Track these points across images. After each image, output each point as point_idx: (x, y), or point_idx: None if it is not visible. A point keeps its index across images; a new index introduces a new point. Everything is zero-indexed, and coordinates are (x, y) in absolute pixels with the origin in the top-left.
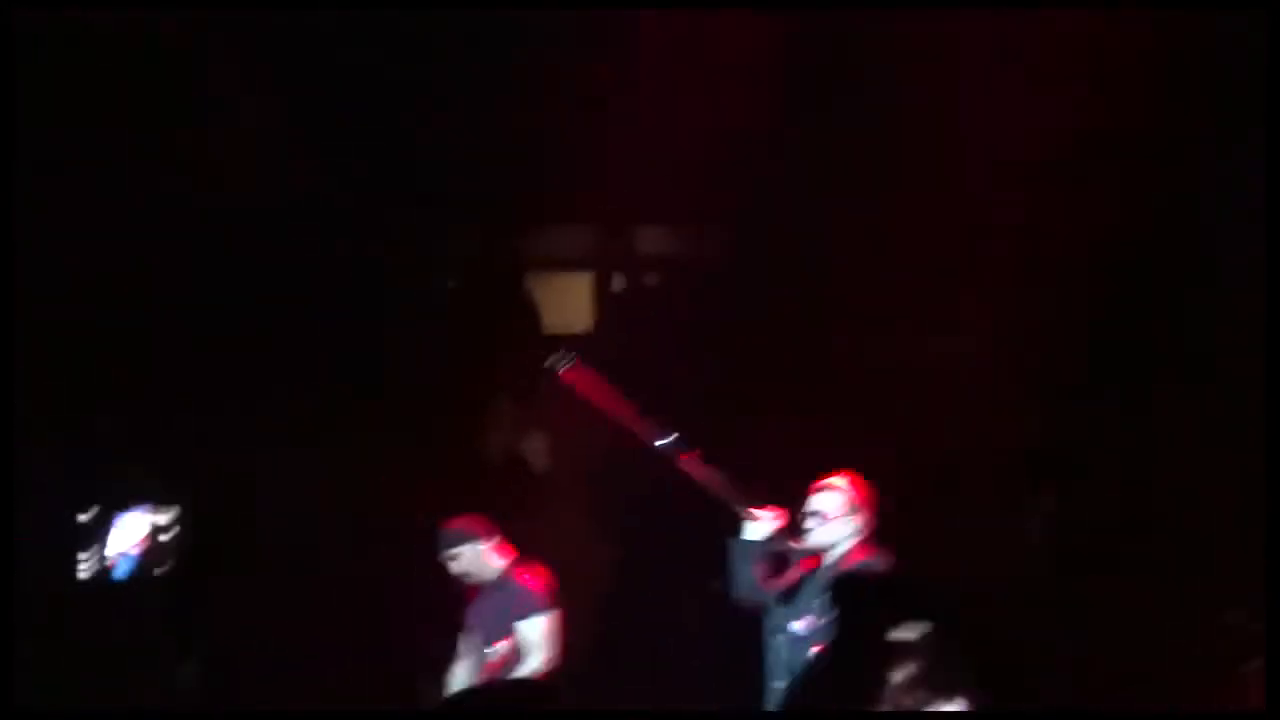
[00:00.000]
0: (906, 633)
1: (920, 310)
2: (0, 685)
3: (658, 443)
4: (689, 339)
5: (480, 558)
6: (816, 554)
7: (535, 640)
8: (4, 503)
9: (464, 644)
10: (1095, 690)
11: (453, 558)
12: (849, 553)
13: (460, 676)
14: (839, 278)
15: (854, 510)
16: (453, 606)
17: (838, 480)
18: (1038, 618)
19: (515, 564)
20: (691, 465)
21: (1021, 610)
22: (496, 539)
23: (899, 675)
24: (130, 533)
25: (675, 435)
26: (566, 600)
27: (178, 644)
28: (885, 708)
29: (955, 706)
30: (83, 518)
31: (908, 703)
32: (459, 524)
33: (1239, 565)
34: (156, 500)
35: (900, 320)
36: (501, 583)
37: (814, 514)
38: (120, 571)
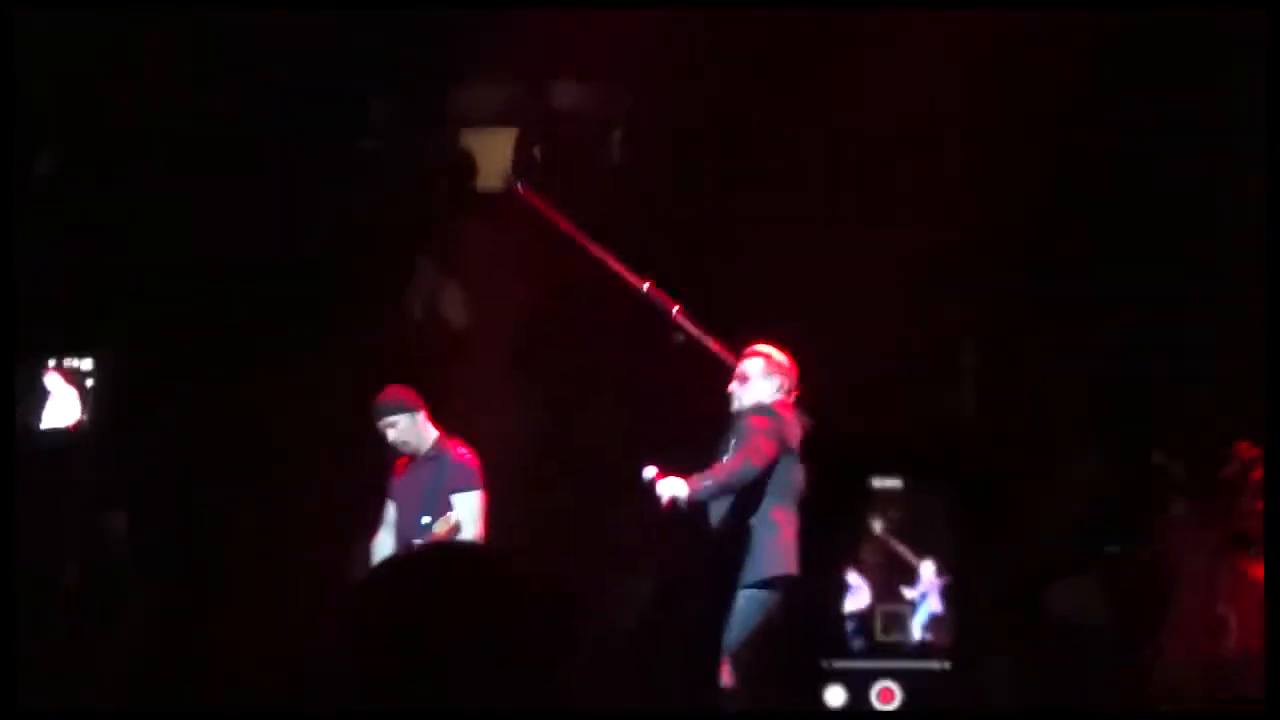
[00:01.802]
0: (889, 482)
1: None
2: (1, 685)
3: (645, 288)
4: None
5: (416, 427)
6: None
7: (472, 514)
8: (4, 502)
9: (389, 512)
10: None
11: (390, 425)
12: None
13: (386, 545)
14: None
15: (773, 373)
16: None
17: (759, 347)
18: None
19: (446, 437)
20: (680, 316)
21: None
22: (426, 410)
23: (879, 524)
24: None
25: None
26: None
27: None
28: (862, 559)
29: (927, 562)
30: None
31: (883, 552)
32: (394, 393)
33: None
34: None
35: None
36: (436, 454)
37: (738, 377)
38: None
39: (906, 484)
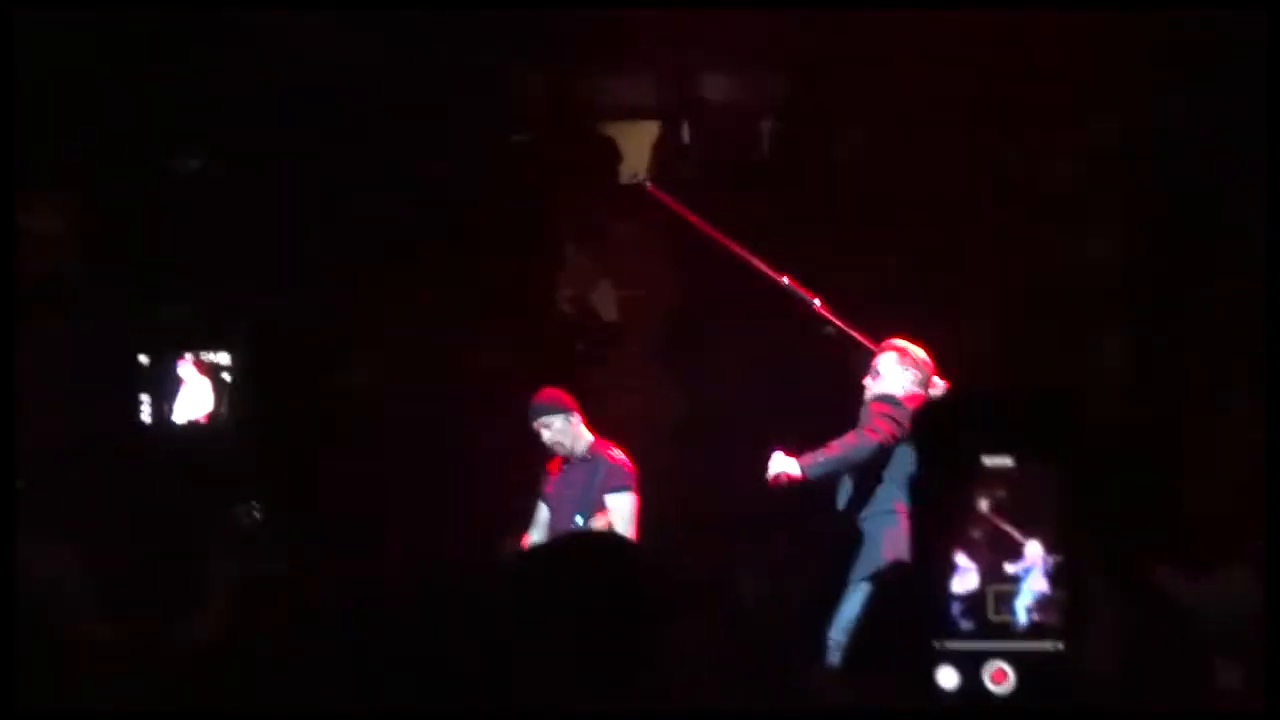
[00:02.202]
0: (1000, 459)
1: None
2: (1, 685)
3: (784, 282)
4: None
5: (571, 429)
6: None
7: (625, 514)
8: (5, 502)
9: (542, 513)
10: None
11: (545, 426)
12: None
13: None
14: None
15: (906, 367)
16: (522, 473)
17: (894, 341)
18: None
19: (601, 440)
20: (822, 309)
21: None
22: (581, 413)
23: (987, 502)
24: (196, 390)
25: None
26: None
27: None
28: (973, 537)
29: (1038, 541)
30: (143, 359)
31: (991, 531)
32: (551, 395)
33: None
34: (208, 346)
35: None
36: (590, 456)
37: (871, 372)
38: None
39: (1019, 461)
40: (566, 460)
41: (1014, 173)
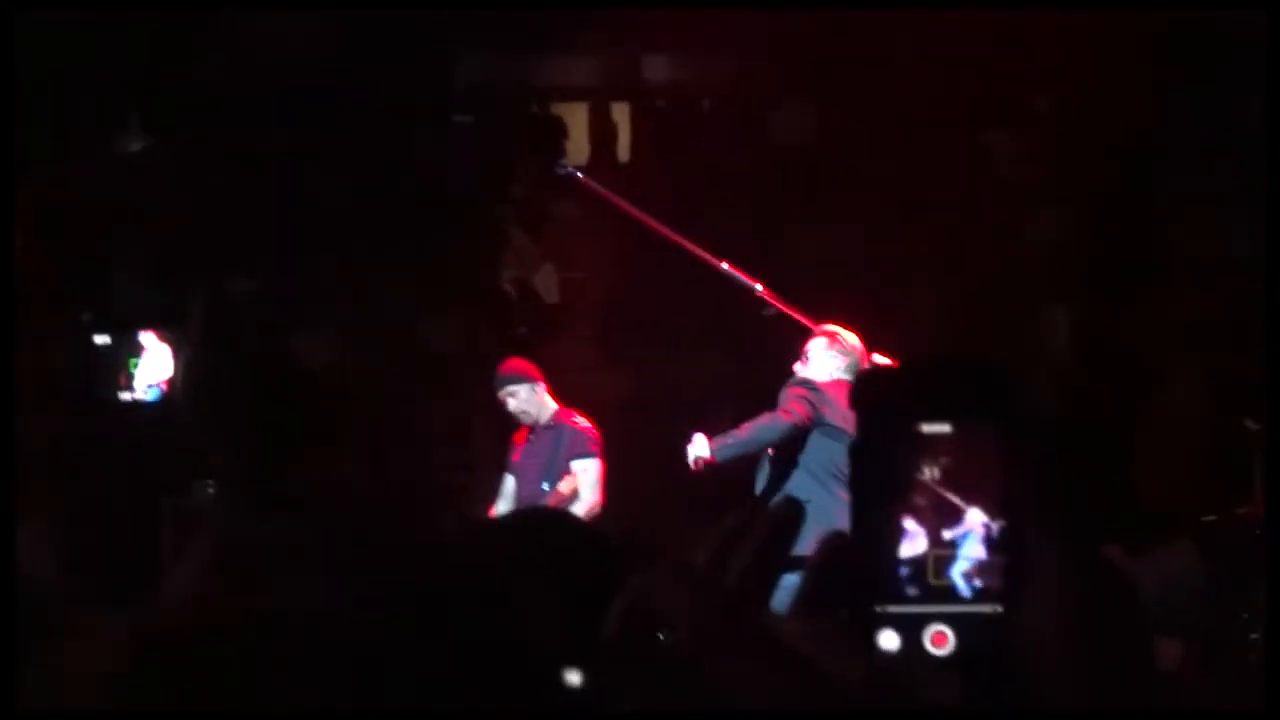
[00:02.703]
0: (938, 426)
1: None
2: (1, 685)
3: (724, 268)
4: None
5: (536, 397)
6: None
7: (591, 480)
8: (5, 501)
9: (508, 484)
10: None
11: (511, 394)
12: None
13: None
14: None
15: (835, 352)
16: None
17: (826, 327)
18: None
19: (565, 409)
20: (764, 294)
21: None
22: (545, 382)
23: (928, 471)
24: (156, 357)
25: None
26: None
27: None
28: (912, 503)
29: (978, 508)
30: (100, 340)
31: (931, 499)
32: (515, 365)
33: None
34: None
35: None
36: (555, 424)
37: (801, 356)
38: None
39: (956, 428)
40: (531, 429)
41: (957, 151)
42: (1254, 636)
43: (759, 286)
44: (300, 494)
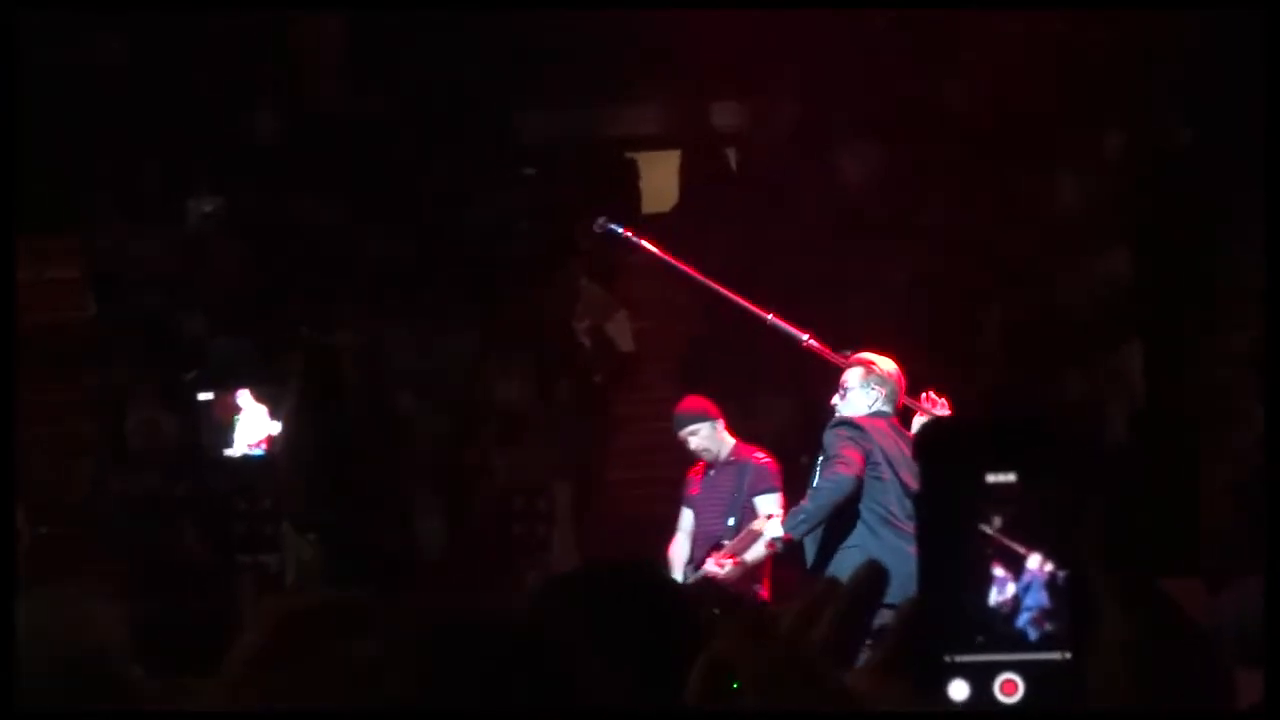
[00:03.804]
0: (1003, 476)
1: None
2: (0, 685)
3: (769, 319)
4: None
5: (716, 434)
6: None
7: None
8: (4, 501)
9: (686, 519)
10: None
11: (692, 433)
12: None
13: (684, 549)
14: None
15: (873, 384)
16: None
17: (862, 355)
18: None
19: (744, 444)
20: (811, 342)
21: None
22: (724, 419)
23: (993, 520)
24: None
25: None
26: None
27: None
28: (979, 552)
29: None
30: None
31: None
32: (695, 404)
33: None
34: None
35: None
36: (736, 459)
37: (839, 389)
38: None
39: (1021, 478)
40: (711, 465)
41: (1012, 191)
42: None
43: (805, 336)
44: (381, 556)
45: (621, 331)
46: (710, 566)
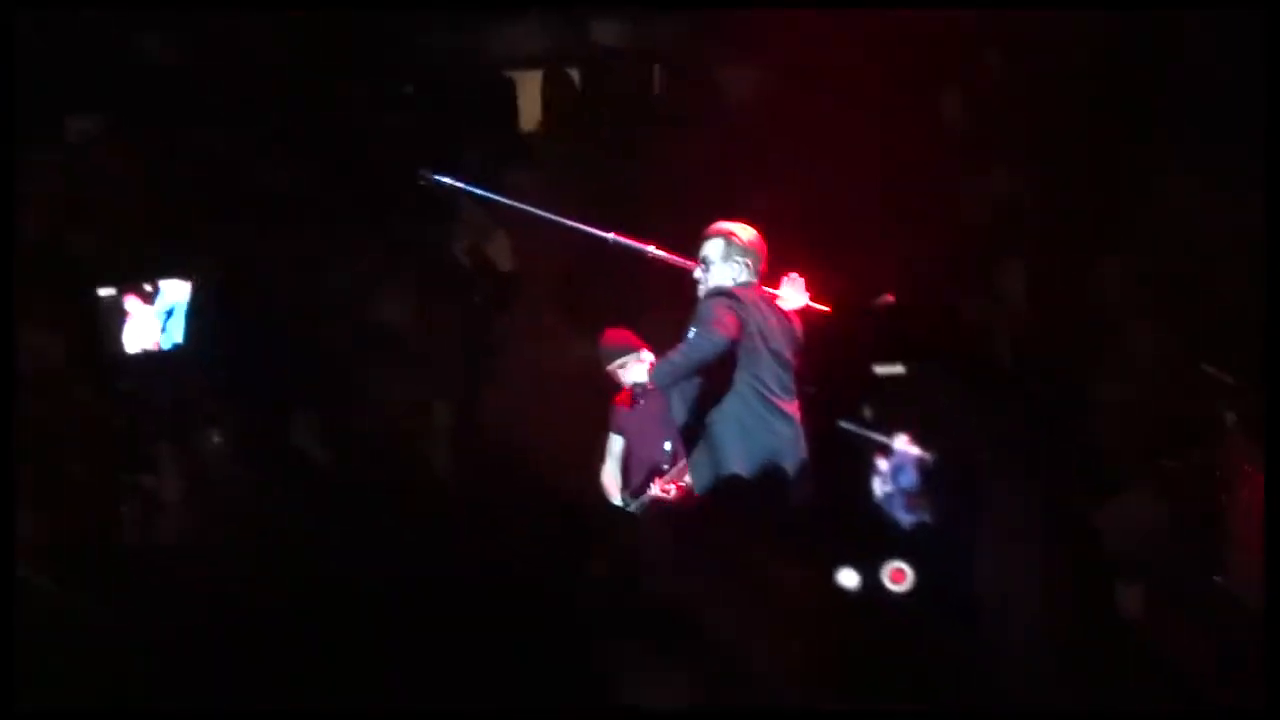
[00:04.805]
0: (892, 368)
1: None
2: (0, 685)
3: (610, 239)
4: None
5: (644, 365)
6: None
7: None
8: (4, 499)
9: (616, 444)
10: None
11: (621, 366)
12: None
13: (616, 473)
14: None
15: (734, 255)
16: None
17: (720, 225)
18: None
19: None
20: (657, 253)
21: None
22: (649, 348)
23: (877, 408)
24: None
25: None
26: None
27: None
28: (868, 443)
29: (900, 437)
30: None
31: (878, 436)
32: (620, 337)
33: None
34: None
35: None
36: None
37: (700, 263)
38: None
39: (910, 369)
40: (639, 393)
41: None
42: (1217, 579)
43: (650, 248)
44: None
45: (501, 251)
46: (656, 491)
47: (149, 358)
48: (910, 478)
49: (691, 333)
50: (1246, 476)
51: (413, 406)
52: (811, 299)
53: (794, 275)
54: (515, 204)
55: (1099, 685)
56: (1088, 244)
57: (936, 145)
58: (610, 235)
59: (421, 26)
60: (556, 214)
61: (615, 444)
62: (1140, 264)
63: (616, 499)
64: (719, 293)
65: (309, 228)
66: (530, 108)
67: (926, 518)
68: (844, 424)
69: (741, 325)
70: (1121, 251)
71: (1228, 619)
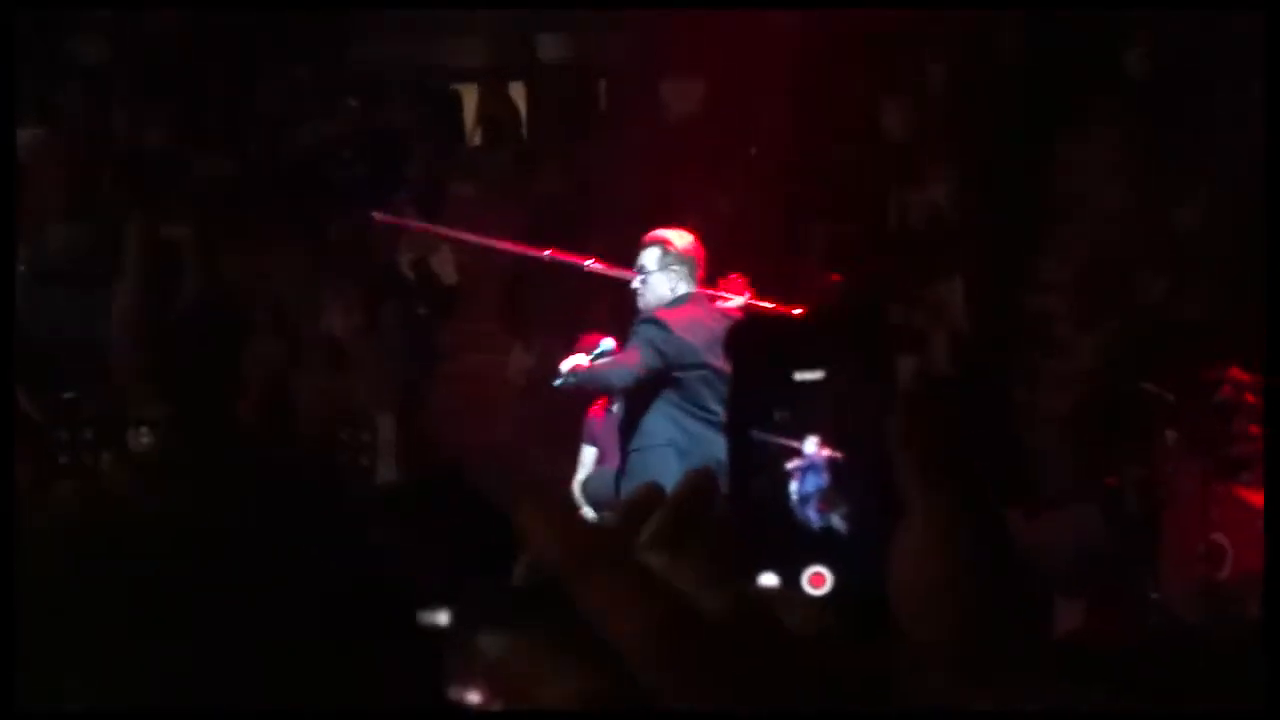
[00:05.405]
0: (810, 374)
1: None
2: (0, 685)
3: (546, 255)
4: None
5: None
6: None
7: None
8: (4, 497)
9: (588, 455)
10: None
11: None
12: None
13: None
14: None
15: (672, 263)
16: None
17: (657, 232)
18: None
19: None
20: (595, 265)
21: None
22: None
23: (795, 414)
24: None
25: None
26: None
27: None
28: (787, 448)
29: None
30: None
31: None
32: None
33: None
34: None
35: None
36: None
37: (637, 271)
38: None
39: (831, 375)
40: (611, 405)
41: (838, 111)
42: (1154, 597)
43: (588, 261)
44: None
45: (445, 265)
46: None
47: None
48: (820, 480)
49: (617, 353)
50: (1185, 495)
51: (357, 416)
52: (752, 299)
53: (734, 276)
54: (457, 235)
55: (1019, 689)
56: (1026, 251)
57: (876, 152)
58: (546, 253)
59: (368, 38)
60: (497, 226)
61: (587, 455)
62: (1077, 274)
63: (589, 510)
64: (651, 322)
65: (251, 236)
66: (472, 119)
67: (838, 521)
68: (755, 433)
69: (664, 361)
70: (1058, 260)
71: (1165, 636)
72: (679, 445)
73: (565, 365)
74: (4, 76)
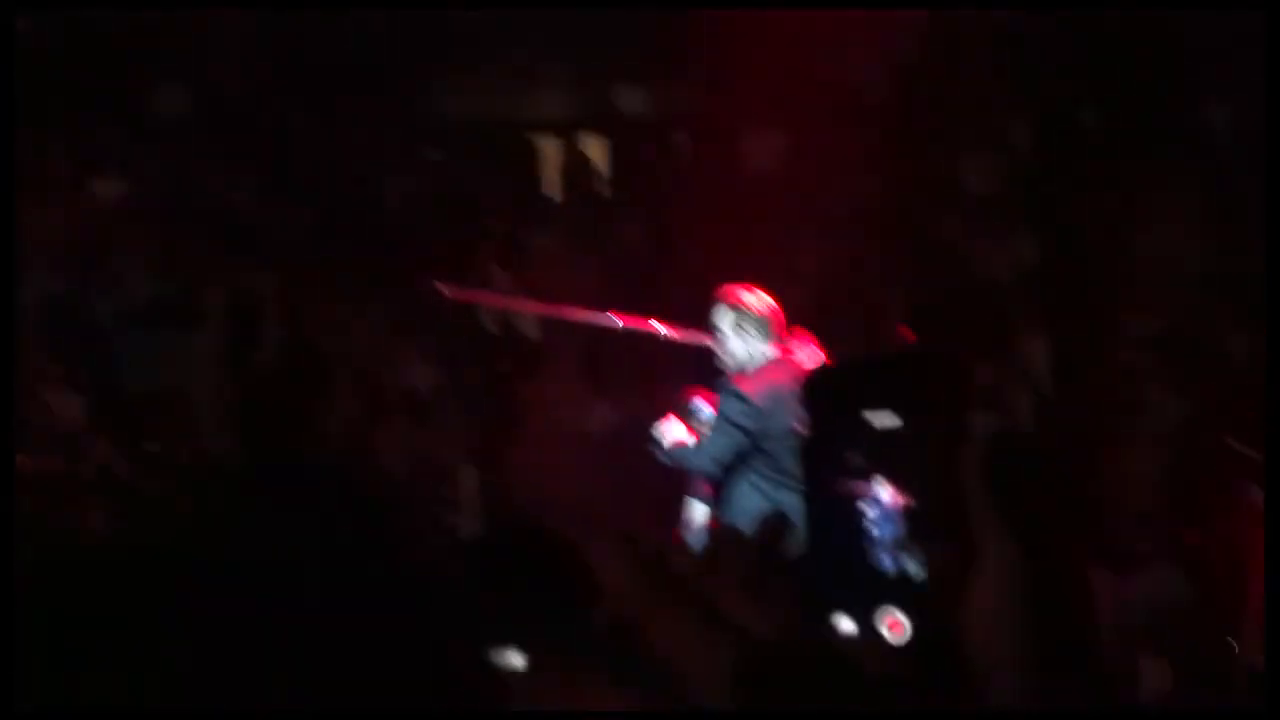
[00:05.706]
0: (887, 419)
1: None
2: (0, 685)
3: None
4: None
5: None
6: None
7: None
8: (4, 500)
9: (699, 511)
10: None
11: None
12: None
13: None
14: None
15: (747, 326)
16: None
17: (731, 291)
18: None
19: None
20: (667, 329)
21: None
22: None
23: (878, 463)
24: None
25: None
26: None
27: None
28: (863, 493)
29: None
30: None
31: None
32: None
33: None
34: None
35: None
36: None
37: (712, 333)
38: None
39: (908, 423)
40: None
41: (920, 170)
42: (1239, 657)
43: (661, 328)
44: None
45: (526, 319)
46: None
47: None
48: (894, 527)
49: (705, 431)
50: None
51: (436, 469)
52: (824, 353)
53: (799, 330)
54: (521, 304)
55: None
56: (1110, 306)
57: (957, 207)
58: (619, 321)
59: (450, 89)
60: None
61: (697, 512)
62: (1161, 330)
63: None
64: (731, 393)
65: (330, 288)
66: (551, 172)
67: (913, 567)
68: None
69: (753, 433)
70: (1143, 316)
71: (1250, 696)
72: (749, 510)
73: (660, 428)
74: (4, 77)
